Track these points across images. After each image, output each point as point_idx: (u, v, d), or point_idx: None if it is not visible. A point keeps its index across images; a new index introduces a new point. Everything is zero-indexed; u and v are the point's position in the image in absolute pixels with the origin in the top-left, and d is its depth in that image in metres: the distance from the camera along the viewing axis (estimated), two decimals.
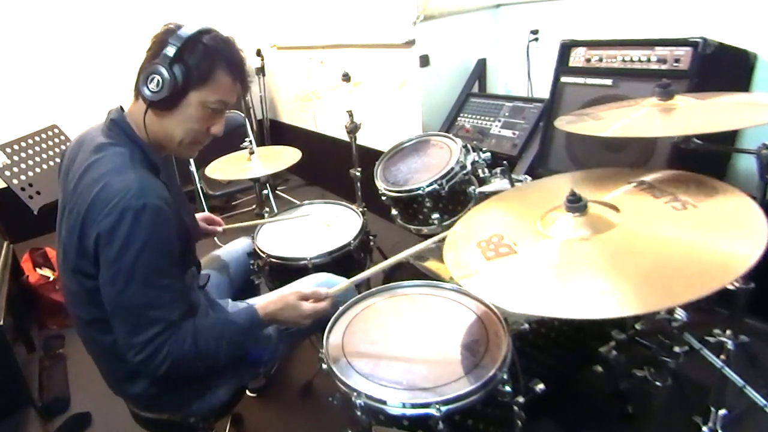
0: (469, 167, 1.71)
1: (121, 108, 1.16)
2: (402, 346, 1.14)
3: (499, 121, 2.41)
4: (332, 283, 1.46)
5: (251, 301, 1.32)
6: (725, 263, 0.79)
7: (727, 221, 0.89)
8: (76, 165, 1.10)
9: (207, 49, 1.06)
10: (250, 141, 2.23)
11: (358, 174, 2.07)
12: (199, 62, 1.06)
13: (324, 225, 1.87)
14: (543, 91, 2.31)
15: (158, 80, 1.04)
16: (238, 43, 1.13)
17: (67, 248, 1.06)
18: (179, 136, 1.13)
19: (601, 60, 1.96)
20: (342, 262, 1.69)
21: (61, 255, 1.11)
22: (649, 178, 1.08)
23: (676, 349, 1.17)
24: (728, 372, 1.18)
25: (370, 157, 2.01)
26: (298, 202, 2.06)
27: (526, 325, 1.33)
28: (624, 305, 0.77)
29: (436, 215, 1.71)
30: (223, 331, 1.12)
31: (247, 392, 1.84)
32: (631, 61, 1.86)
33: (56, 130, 2.67)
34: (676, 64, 1.74)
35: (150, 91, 1.05)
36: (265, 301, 1.21)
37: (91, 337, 1.15)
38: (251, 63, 3.78)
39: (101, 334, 1.10)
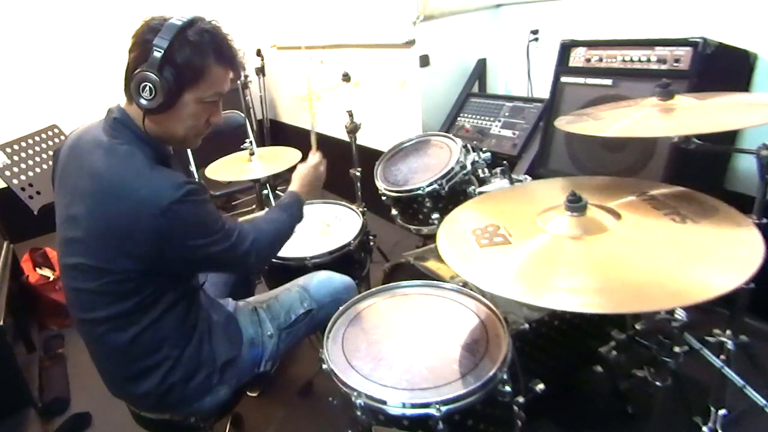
0: (469, 167, 1.72)
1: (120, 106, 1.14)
2: (402, 346, 1.14)
3: (499, 121, 2.41)
4: (333, 280, 1.47)
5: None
6: (696, 287, 0.80)
7: (721, 245, 0.89)
8: (85, 167, 1.07)
9: (194, 45, 1.03)
10: (251, 142, 2.23)
11: (358, 174, 2.07)
12: (188, 61, 1.03)
13: (324, 225, 1.87)
14: (543, 91, 2.31)
15: (150, 87, 1.01)
16: (223, 28, 1.10)
17: (96, 252, 1.04)
18: (181, 133, 1.13)
19: (601, 60, 1.96)
20: (342, 261, 1.69)
21: (74, 257, 1.08)
22: (654, 191, 1.09)
23: (676, 349, 1.18)
24: (728, 372, 1.18)
25: (370, 157, 2.01)
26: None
27: (526, 325, 1.33)
28: (589, 303, 0.81)
29: (436, 215, 1.71)
30: (281, 213, 1.32)
31: (247, 392, 1.84)
32: (631, 61, 1.86)
33: (56, 130, 2.66)
34: (676, 64, 1.74)
35: (144, 99, 1.02)
36: (294, 185, 1.46)
37: (102, 337, 1.13)
38: (250, 60, 3.77)
39: (116, 332, 1.10)
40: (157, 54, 1.00)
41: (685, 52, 1.72)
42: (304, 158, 2.14)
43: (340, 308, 1.27)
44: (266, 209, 1.39)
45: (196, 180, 1.13)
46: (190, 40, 1.03)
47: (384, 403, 0.99)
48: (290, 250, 1.69)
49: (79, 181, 1.08)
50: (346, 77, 1.96)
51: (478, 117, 2.51)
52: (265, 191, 2.91)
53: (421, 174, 1.77)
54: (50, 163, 2.42)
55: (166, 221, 1.00)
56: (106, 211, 1.02)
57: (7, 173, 2.26)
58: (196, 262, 1.14)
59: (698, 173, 1.68)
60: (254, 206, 2.95)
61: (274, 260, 1.65)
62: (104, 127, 1.11)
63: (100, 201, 1.03)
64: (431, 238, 1.83)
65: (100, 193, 1.03)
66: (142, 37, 1.04)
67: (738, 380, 1.19)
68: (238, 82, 3.64)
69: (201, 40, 1.04)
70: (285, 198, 1.38)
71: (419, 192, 1.68)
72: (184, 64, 1.03)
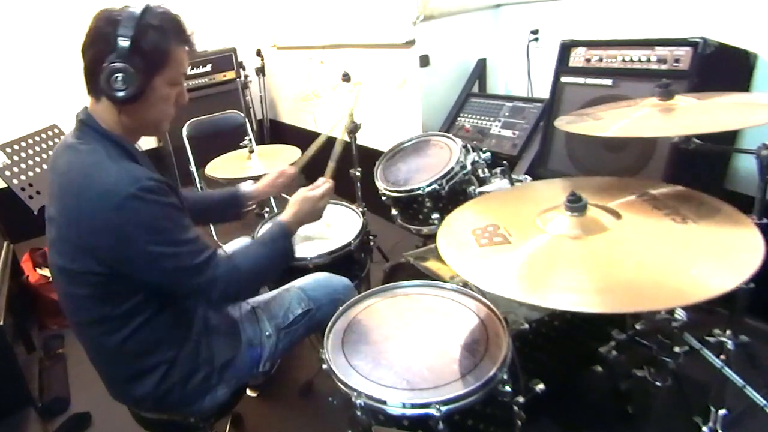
0: (469, 167, 1.71)
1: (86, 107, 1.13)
2: (402, 345, 1.14)
3: (499, 121, 2.41)
4: (331, 281, 1.47)
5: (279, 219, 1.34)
6: (695, 287, 0.80)
7: (720, 245, 0.89)
8: (55, 170, 1.09)
9: (156, 29, 1.03)
10: (250, 139, 2.23)
11: (358, 174, 2.07)
12: (155, 46, 1.03)
13: (324, 225, 1.87)
14: (543, 91, 2.31)
15: (123, 77, 1.00)
16: (171, 9, 1.09)
17: (68, 252, 1.05)
18: (155, 119, 1.12)
19: (601, 60, 1.96)
20: (342, 262, 1.69)
21: (56, 259, 1.08)
22: (654, 191, 1.09)
23: (676, 349, 1.17)
24: (728, 372, 1.18)
25: (370, 157, 2.01)
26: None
27: (526, 325, 1.33)
28: (585, 302, 0.81)
29: (436, 215, 1.71)
30: (265, 247, 1.23)
31: (248, 392, 1.84)
32: (631, 61, 1.86)
33: (56, 130, 2.67)
34: (676, 64, 1.74)
35: (117, 90, 1.01)
36: (285, 214, 1.32)
37: (95, 340, 1.14)
38: (251, 63, 3.77)
39: (107, 335, 1.10)
40: (124, 43, 0.99)
41: (685, 52, 1.72)
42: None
43: (340, 308, 1.27)
44: (251, 240, 1.28)
45: (163, 179, 1.07)
46: (152, 24, 1.02)
47: (384, 403, 0.99)
48: None
49: (51, 184, 1.09)
50: (346, 77, 1.96)
51: (478, 117, 2.51)
52: None
53: (421, 174, 1.77)
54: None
55: (119, 217, 0.97)
56: (69, 209, 1.03)
57: (7, 173, 2.26)
58: (154, 274, 1.05)
59: (698, 173, 1.68)
60: (254, 206, 2.94)
61: None
62: (72, 131, 1.12)
63: (64, 200, 1.04)
64: (431, 238, 1.83)
65: (64, 192, 1.04)
66: (102, 30, 1.01)
67: (738, 380, 1.19)
68: (238, 81, 3.65)
69: (161, 23, 1.04)
70: (273, 229, 1.27)
71: (419, 192, 1.68)
72: (151, 49, 1.02)
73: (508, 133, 2.35)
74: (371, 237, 1.91)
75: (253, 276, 1.18)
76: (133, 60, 1.00)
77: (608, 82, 1.92)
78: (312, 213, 1.36)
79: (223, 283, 1.09)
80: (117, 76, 1.00)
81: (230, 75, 3.63)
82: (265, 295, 1.44)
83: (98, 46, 1.02)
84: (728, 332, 1.21)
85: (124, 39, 0.99)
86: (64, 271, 1.07)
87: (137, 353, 1.12)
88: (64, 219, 1.04)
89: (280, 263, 1.27)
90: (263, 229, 1.85)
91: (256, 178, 2.18)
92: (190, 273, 1.06)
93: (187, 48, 1.10)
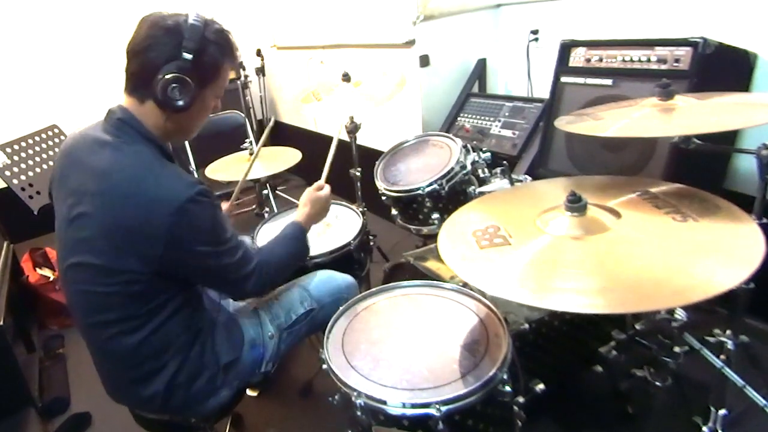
0: (469, 167, 1.72)
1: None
2: (402, 346, 1.14)
3: (499, 121, 2.41)
4: (334, 279, 1.47)
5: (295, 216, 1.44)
6: (697, 285, 0.80)
7: (722, 243, 0.89)
8: (89, 167, 1.07)
9: (216, 47, 1.08)
10: (251, 142, 2.23)
11: (358, 174, 2.07)
12: (212, 62, 1.09)
13: (324, 225, 1.87)
14: (543, 91, 2.31)
15: (180, 88, 1.04)
16: (224, 25, 1.13)
17: (105, 251, 1.04)
18: (195, 127, 1.18)
19: (601, 60, 1.96)
20: (342, 262, 1.68)
21: (82, 258, 1.06)
22: (655, 189, 1.09)
23: (676, 349, 1.18)
24: (728, 372, 1.19)
25: (370, 157, 2.01)
26: (298, 202, 2.06)
27: (526, 325, 1.33)
28: (591, 304, 0.81)
29: (436, 215, 1.71)
30: (286, 243, 1.32)
31: (248, 392, 1.84)
32: (631, 61, 1.86)
33: (56, 130, 2.67)
34: (676, 64, 1.74)
35: (174, 99, 1.04)
36: (300, 214, 1.42)
37: (108, 340, 1.12)
38: (251, 63, 3.77)
39: (124, 335, 1.09)
40: (188, 55, 1.03)
41: (685, 52, 1.72)
42: (304, 157, 2.16)
43: (340, 308, 1.27)
44: (273, 238, 1.34)
45: (204, 182, 1.12)
46: (211, 40, 1.07)
47: (384, 403, 0.99)
48: None
49: (82, 181, 1.07)
50: (346, 77, 1.96)
51: (478, 117, 2.51)
52: (265, 191, 2.91)
53: (421, 174, 1.77)
54: (50, 163, 2.45)
55: (178, 220, 1.01)
56: (118, 210, 1.02)
57: (7, 173, 2.26)
58: (198, 272, 1.12)
59: (698, 173, 1.68)
60: (254, 206, 2.95)
61: None
62: (105, 128, 1.10)
63: (110, 200, 1.03)
64: (431, 238, 1.83)
65: (111, 192, 1.03)
66: (160, 39, 1.04)
67: (738, 380, 1.19)
68: (238, 82, 3.65)
69: (219, 40, 1.09)
70: (289, 229, 1.36)
71: (419, 192, 1.68)
72: (209, 64, 1.08)
73: (508, 133, 2.35)
74: (371, 237, 1.91)
75: (279, 271, 1.27)
76: (191, 72, 1.04)
77: (608, 82, 1.92)
78: (321, 213, 1.47)
79: (254, 278, 1.17)
80: (175, 86, 1.04)
81: (230, 75, 3.63)
82: (267, 295, 1.44)
83: (155, 53, 1.04)
84: (728, 332, 1.21)
85: (187, 51, 1.03)
86: (92, 269, 1.05)
87: (150, 354, 1.12)
88: (109, 218, 1.03)
89: (298, 261, 1.37)
90: (264, 230, 1.86)
91: (257, 181, 2.20)
92: (230, 269, 1.13)
93: (233, 64, 1.17)
